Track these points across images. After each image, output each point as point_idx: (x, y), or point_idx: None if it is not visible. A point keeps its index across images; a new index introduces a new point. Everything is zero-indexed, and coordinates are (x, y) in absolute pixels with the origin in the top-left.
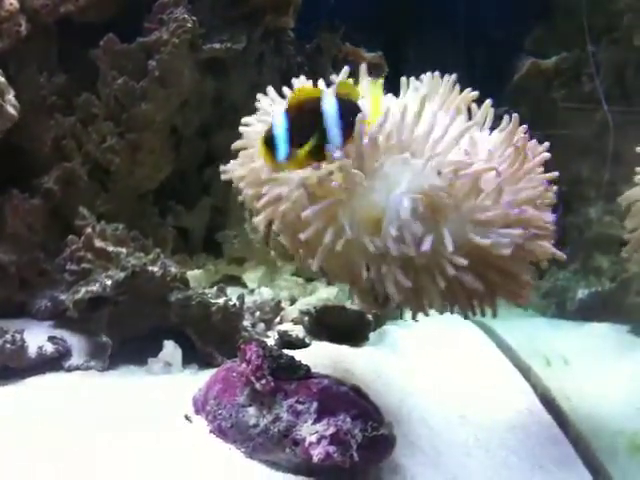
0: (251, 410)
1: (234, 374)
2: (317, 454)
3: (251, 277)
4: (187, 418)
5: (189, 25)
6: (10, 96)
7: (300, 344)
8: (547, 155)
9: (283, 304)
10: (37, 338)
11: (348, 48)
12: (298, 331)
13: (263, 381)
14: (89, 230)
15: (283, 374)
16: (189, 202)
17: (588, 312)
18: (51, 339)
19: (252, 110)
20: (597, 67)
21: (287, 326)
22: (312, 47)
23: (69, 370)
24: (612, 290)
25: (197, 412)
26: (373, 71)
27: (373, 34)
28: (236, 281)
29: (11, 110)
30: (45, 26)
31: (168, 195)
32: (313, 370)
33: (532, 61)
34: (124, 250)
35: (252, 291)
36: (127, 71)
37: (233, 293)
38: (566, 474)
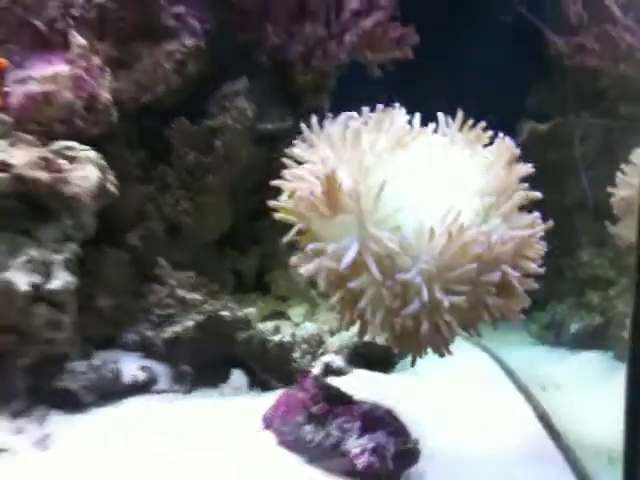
0: (308, 428)
1: (294, 400)
2: (361, 462)
3: (296, 312)
4: (258, 432)
5: (249, 114)
6: (110, 176)
7: (340, 372)
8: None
9: (324, 337)
10: (129, 366)
11: None
12: (338, 361)
13: (319, 406)
14: (173, 282)
15: (333, 400)
16: (243, 249)
17: (580, 341)
18: (142, 368)
19: None
20: (587, 132)
21: (329, 357)
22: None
23: (157, 393)
24: (600, 324)
25: (267, 427)
26: None
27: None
28: (281, 315)
29: (112, 189)
30: (129, 112)
31: (225, 243)
32: (353, 392)
33: (532, 127)
34: (200, 297)
35: (297, 325)
36: (196, 148)
37: (281, 325)
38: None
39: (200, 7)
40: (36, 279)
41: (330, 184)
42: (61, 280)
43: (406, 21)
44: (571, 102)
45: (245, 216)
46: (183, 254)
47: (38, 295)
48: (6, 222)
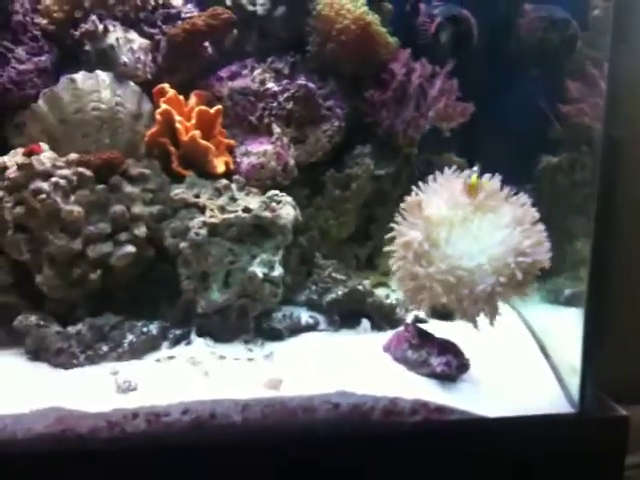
0: (409, 352)
1: (402, 337)
2: (439, 369)
3: (394, 283)
4: (381, 354)
5: (371, 167)
6: (298, 210)
7: (423, 321)
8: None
9: None
10: (303, 315)
11: (445, 157)
12: (421, 314)
13: (415, 340)
14: (329, 268)
15: (423, 337)
16: (360, 242)
17: (571, 301)
18: (310, 317)
19: (397, 195)
20: (584, 163)
21: (416, 311)
22: (424, 160)
23: (319, 331)
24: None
25: (385, 351)
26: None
27: None
28: (384, 284)
29: (300, 218)
30: (302, 168)
31: (350, 239)
32: (432, 331)
33: (548, 159)
34: (344, 277)
35: (394, 290)
36: (339, 187)
37: (386, 291)
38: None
39: (341, 100)
40: (265, 270)
41: (416, 207)
42: (278, 271)
43: (466, 93)
44: (574, 144)
45: (362, 222)
46: (327, 248)
47: (266, 279)
48: (247, 240)
